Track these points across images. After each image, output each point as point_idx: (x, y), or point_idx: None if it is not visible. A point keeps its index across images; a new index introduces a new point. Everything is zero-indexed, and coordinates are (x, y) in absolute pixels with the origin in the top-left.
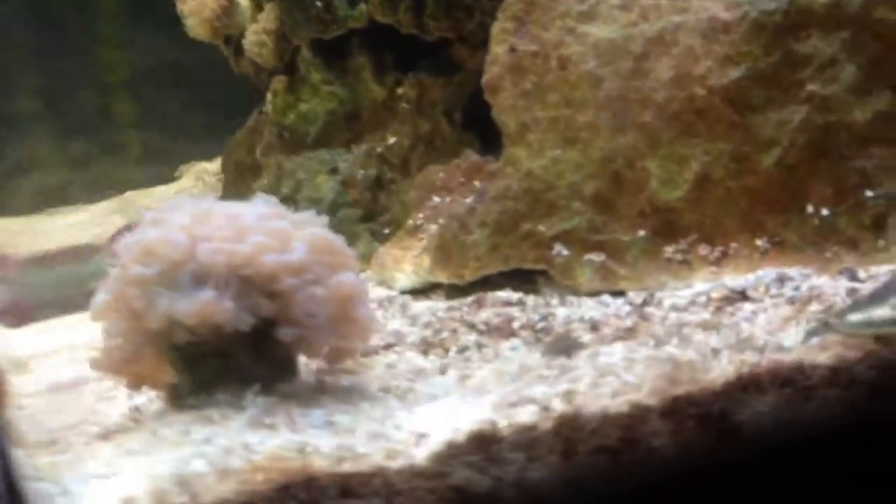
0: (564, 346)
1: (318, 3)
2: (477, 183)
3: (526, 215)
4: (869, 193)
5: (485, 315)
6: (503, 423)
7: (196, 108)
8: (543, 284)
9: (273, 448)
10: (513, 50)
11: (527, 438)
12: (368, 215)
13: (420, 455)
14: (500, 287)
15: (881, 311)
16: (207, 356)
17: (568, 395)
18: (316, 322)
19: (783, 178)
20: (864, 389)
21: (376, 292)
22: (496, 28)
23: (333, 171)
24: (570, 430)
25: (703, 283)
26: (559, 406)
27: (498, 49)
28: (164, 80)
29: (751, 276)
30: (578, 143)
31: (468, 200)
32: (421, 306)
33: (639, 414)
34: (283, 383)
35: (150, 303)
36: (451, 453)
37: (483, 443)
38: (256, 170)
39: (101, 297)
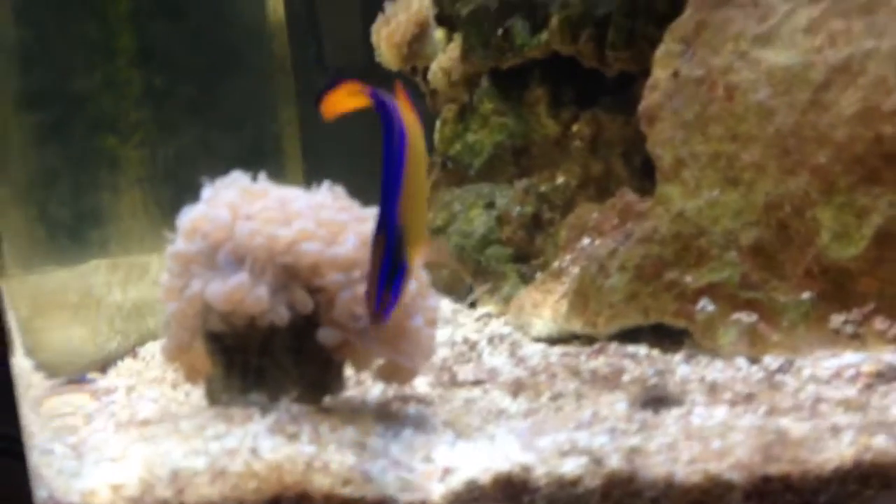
0: (655, 399)
1: (499, 31)
2: (630, 224)
3: (671, 262)
4: None
5: (595, 364)
6: (540, 471)
7: None
8: (689, 346)
9: (280, 457)
10: (676, 74)
11: (566, 495)
12: (520, 255)
13: (436, 492)
14: (638, 341)
15: None
16: (244, 351)
17: (632, 453)
18: (361, 327)
19: None
20: None
21: (509, 336)
22: (661, 50)
23: (490, 205)
24: (621, 493)
25: (856, 354)
26: (615, 462)
27: (660, 73)
28: None
29: None
30: (740, 185)
31: (615, 243)
32: (535, 348)
33: (715, 490)
34: (329, 395)
35: (187, 283)
36: (472, 496)
37: (510, 488)
38: None
39: (164, 279)
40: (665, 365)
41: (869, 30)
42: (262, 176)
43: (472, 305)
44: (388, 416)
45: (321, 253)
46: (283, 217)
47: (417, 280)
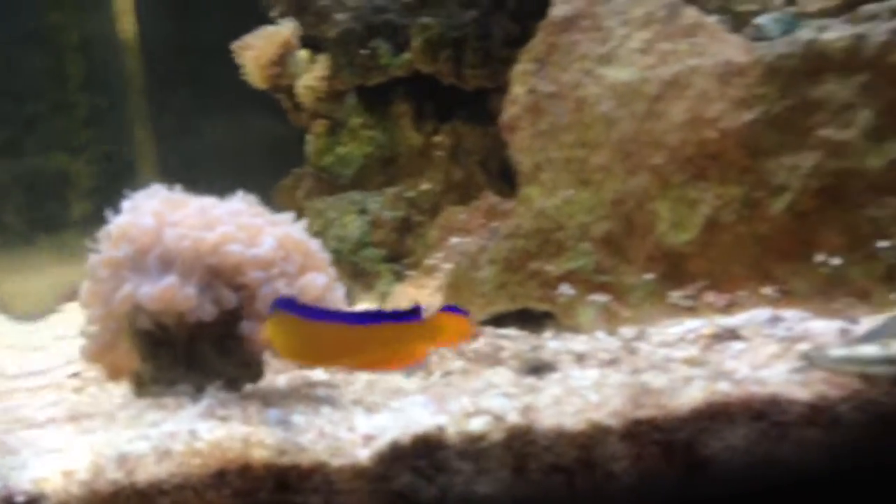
0: (536, 367)
1: (364, 51)
2: (495, 223)
3: (535, 254)
4: (882, 244)
5: (476, 345)
6: (451, 430)
7: None
8: (550, 327)
9: (218, 437)
10: (532, 91)
11: (475, 448)
12: (393, 255)
13: (364, 455)
14: (508, 326)
15: (868, 349)
16: (171, 345)
17: (526, 410)
18: None
19: (794, 224)
20: (849, 432)
21: None
22: (517, 69)
23: (363, 211)
24: (521, 443)
25: (696, 321)
26: (514, 418)
27: (518, 89)
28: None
29: (744, 316)
30: (591, 185)
31: (482, 240)
32: None
33: (597, 434)
34: (249, 382)
35: (116, 287)
36: (395, 456)
37: (427, 446)
38: (299, 213)
39: (85, 284)
40: (537, 342)
41: (692, 50)
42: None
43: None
44: (304, 398)
45: (243, 253)
46: (205, 223)
47: (327, 275)
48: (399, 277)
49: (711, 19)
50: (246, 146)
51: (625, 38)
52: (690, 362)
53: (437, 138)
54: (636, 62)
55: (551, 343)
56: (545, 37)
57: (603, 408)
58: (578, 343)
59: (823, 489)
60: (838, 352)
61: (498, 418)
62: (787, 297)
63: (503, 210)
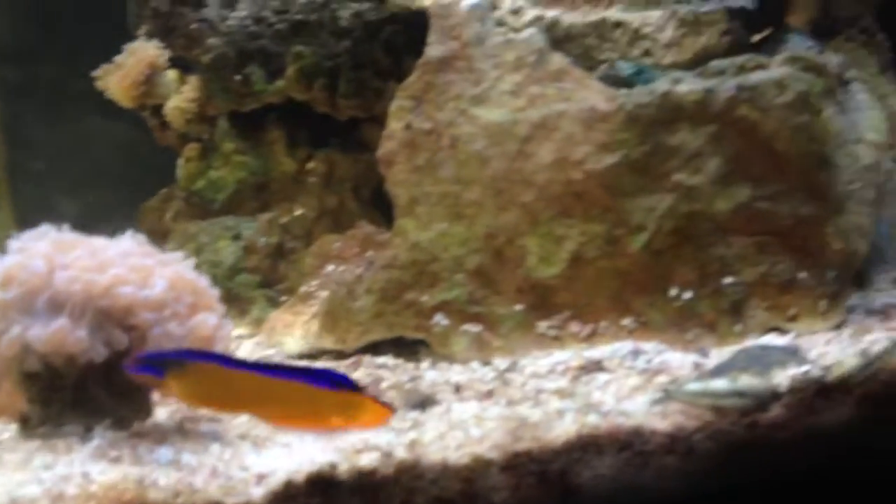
0: (420, 401)
1: (237, 77)
2: (370, 253)
3: (410, 285)
4: (727, 280)
5: (356, 375)
6: (343, 467)
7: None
8: (425, 354)
9: (111, 479)
10: (408, 127)
11: (366, 484)
12: (266, 282)
13: (257, 494)
14: (385, 354)
15: (719, 383)
16: (60, 387)
17: (412, 445)
18: None
19: (650, 261)
20: (702, 459)
21: (264, 354)
22: (395, 105)
23: (236, 237)
24: (409, 478)
25: (564, 353)
26: (402, 454)
27: (395, 125)
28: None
29: (608, 348)
30: (464, 219)
31: (359, 269)
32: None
33: (479, 467)
34: (137, 421)
35: (4, 329)
36: (289, 494)
37: (321, 485)
38: (166, 235)
39: None
40: (415, 372)
41: (559, 94)
42: None
43: None
44: (190, 435)
45: (135, 295)
46: (96, 265)
47: (217, 314)
48: (273, 303)
49: (576, 66)
50: (103, 157)
51: (497, 80)
52: (561, 394)
53: (311, 165)
54: (507, 104)
55: (428, 373)
56: (421, 75)
57: (484, 441)
58: (455, 373)
59: None
60: (693, 386)
61: (386, 454)
62: (643, 327)
63: (379, 241)
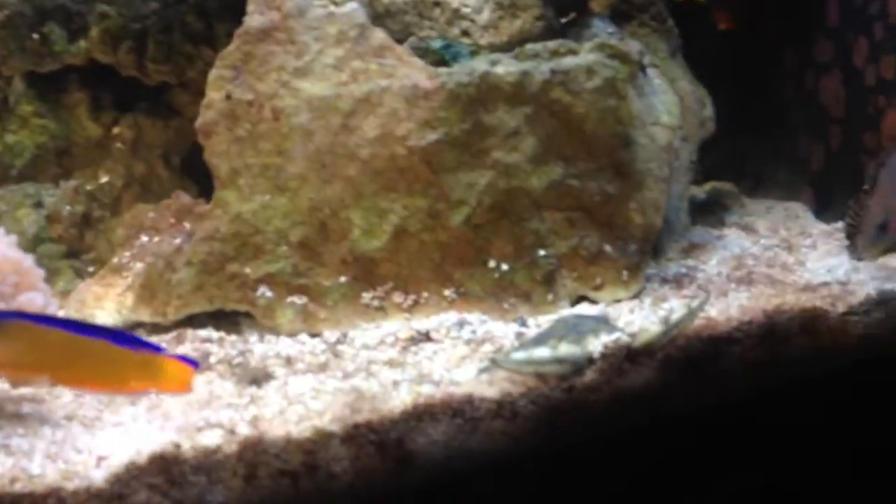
0: (255, 377)
1: (35, 36)
2: (187, 224)
3: (232, 257)
4: (541, 253)
5: (182, 350)
6: (186, 446)
7: None
8: (247, 326)
9: None
10: (228, 97)
11: (210, 461)
12: (73, 252)
13: (98, 476)
14: (204, 327)
15: (541, 351)
16: None
17: (255, 421)
18: None
19: (470, 234)
20: (525, 422)
21: None
22: (213, 74)
23: (38, 205)
24: (253, 453)
25: (392, 324)
26: (245, 430)
27: (214, 95)
28: None
29: (435, 319)
30: (288, 192)
31: (177, 241)
32: None
33: (321, 439)
34: None
35: None
36: (132, 475)
37: (164, 465)
38: None
39: None
40: (243, 346)
41: (382, 70)
42: None
43: None
44: (14, 418)
45: None
46: None
47: (43, 292)
48: (81, 275)
49: (397, 43)
50: None
51: (319, 53)
52: (392, 364)
53: (117, 130)
54: (330, 78)
55: (257, 347)
56: (241, 45)
57: (325, 414)
58: (284, 346)
59: (507, 470)
60: (518, 355)
61: (230, 431)
62: (464, 297)
63: (197, 212)
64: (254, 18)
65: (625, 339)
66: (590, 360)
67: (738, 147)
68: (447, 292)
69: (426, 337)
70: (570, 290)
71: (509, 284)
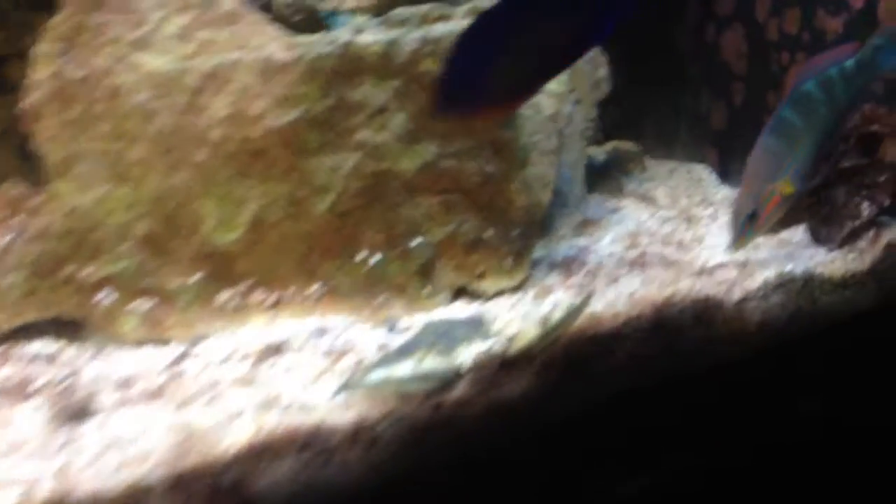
0: (77, 410)
1: None
2: (21, 218)
3: (68, 257)
4: (416, 241)
5: (3, 374)
6: None
7: None
8: (90, 334)
9: None
10: (58, 74)
11: None
12: None
13: None
14: (43, 336)
15: (402, 368)
16: None
17: (61, 473)
18: None
19: (337, 223)
20: (387, 448)
21: None
22: (39, 49)
23: None
24: None
25: (245, 333)
26: (48, 486)
27: (41, 72)
28: None
29: (292, 328)
30: (130, 180)
31: (7, 238)
32: None
33: (138, 494)
34: None
35: None
36: None
37: None
38: None
39: None
40: (74, 365)
41: (233, 41)
42: None
43: None
44: None
45: None
46: None
47: None
48: None
49: (251, 8)
50: None
51: (161, 22)
52: (240, 383)
53: None
54: (174, 50)
55: (91, 365)
56: (71, 15)
57: (146, 461)
58: (121, 363)
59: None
60: (376, 376)
61: (30, 489)
62: (332, 293)
63: (32, 206)
64: None
65: (499, 346)
66: (458, 374)
67: (640, 104)
68: (313, 288)
69: (281, 348)
70: (448, 281)
71: (381, 277)
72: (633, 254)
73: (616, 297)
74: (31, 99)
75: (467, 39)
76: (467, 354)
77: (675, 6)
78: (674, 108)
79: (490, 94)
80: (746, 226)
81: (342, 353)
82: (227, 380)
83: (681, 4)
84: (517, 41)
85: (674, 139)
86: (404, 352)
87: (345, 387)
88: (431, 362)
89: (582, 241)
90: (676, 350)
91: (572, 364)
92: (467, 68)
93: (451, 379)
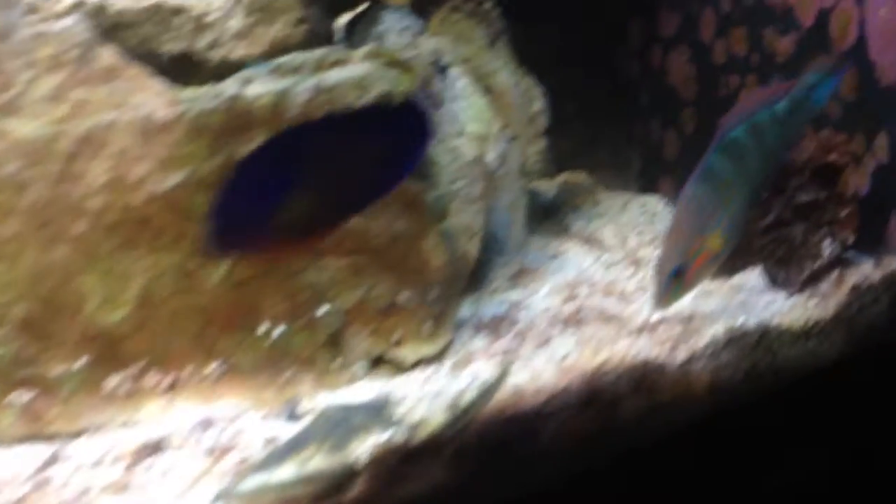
0: None
1: None
2: None
3: None
4: (323, 309)
5: None
6: None
7: None
8: None
9: None
10: None
11: None
12: None
13: None
14: None
15: (284, 472)
16: None
17: None
18: None
19: (234, 294)
20: None
21: None
22: None
23: None
24: None
25: (120, 431)
26: None
27: None
28: None
29: (173, 421)
30: (5, 259)
31: None
32: None
33: None
34: None
35: None
36: None
37: None
38: None
39: None
40: None
41: (110, 99)
42: None
43: None
44: None
45: None
46: None
47: None
48: None
49: (132, 61)
50: None
51: (31, 83)
52: (111, 490)
53: None
54: (46, 113)
55: None
56: None
57: None
58: None
59: None
60: (252, 482)
61: None
62: (233, 371)
63: None
64: None
65: (401, 435)
66: (352, 472)
67: (592, 133)
68: (212, 367)
69: (160, 446)
70: (362, 350)
71: (286, 351)
72: (569, 308)
73: (544, 365)
74: None
75: (249, 165)
76: (363, 448)
77: (616, 27)
78: (626, 136)
79: (272, 230)
80: (672, 282)
81: (225, 451)
82: (98, 486)
83: (622, 25)
84: (310, 171)
85: (628, 169)
86: (292, 447)
87: (221, 496)
88: (320, 460)
89: (515, 295)
90: (613, 425)
91: (489, 450)
92: (244, 200)
93: (343, 478)
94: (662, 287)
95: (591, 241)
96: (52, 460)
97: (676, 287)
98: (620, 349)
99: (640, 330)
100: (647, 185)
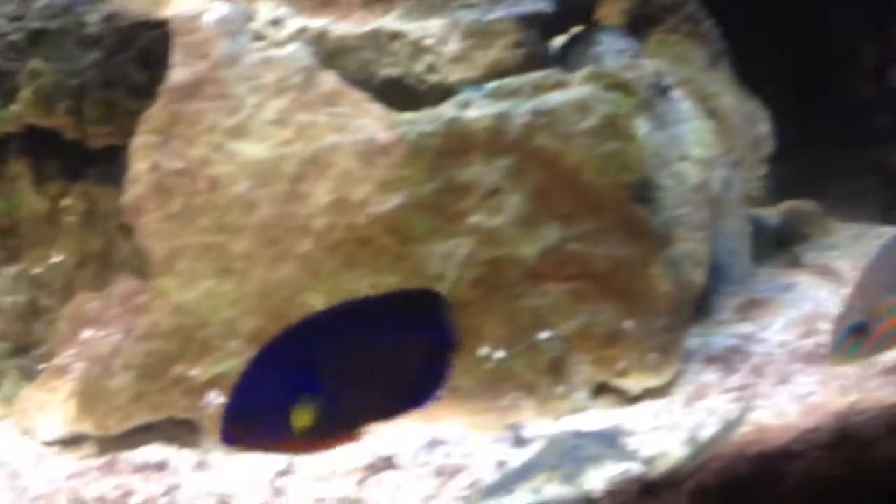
0: None
1: None
2: (131, 317)
3: (176, 356)
4: (543, 335)
5: (106, 485)
6: None
7: None
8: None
9: None
10: (156, 167)
11: None
12: (19, 348)
13: None
14: (153, 436)
15: (516, 499)
16: None
17: None
18: None
19: (455, 316)
20: None
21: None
22: (137, 142)
23: None
24: None
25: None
26: None
27: (139, 166)
28: None
29: (398, 440)
30: (234, 274)
31: (116, 338)
32: (45, 470)
33: None
34: None
35: None
36: None
37: None
38: None
39: None
40: (175, 476)
41: (332, 123)
42: None
43: None
44: None
45: None
46: None
47: None
48: (28, 375)
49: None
50: None
51: (257, 107)
52: (346, 503)
53: (66, 202)
54: (271, 136)
55: (192, 478)
56: (166, 104)
57: None
58: (227, 473)
59: None
60: None
61: None
62: (452, 394)
63: (140, 303)
64: (178, 72)
65: (637, 469)
66: (589, 502)
67: (816, 159)
68: None
69: (388, 463)
70: (585, 378)
71: (506, 375)
72: (808, 344)
73: (787, 403)
74: (132, 193)
75: (266, 356)
76: (598, 479)
77: (845, 47)
78: (859, 162)
79: (287, 427)
80: (850, 339)
81: (454, 472)
82: (332, 498)
83: (852, 45)
84: (336, 365)
85: (860, 198)
86: (522, 474)
87: None
88: (555, 488)
89: (746, 328)
90: (865, 469)
91: (730, 489)
92: (261, 392)
93: None
94: (836, 341)
95: (825, 273)
96: (286, 471)
97: (855, 345)
98: (870, 389)
99: (890, 371)
100: (886, 216)
